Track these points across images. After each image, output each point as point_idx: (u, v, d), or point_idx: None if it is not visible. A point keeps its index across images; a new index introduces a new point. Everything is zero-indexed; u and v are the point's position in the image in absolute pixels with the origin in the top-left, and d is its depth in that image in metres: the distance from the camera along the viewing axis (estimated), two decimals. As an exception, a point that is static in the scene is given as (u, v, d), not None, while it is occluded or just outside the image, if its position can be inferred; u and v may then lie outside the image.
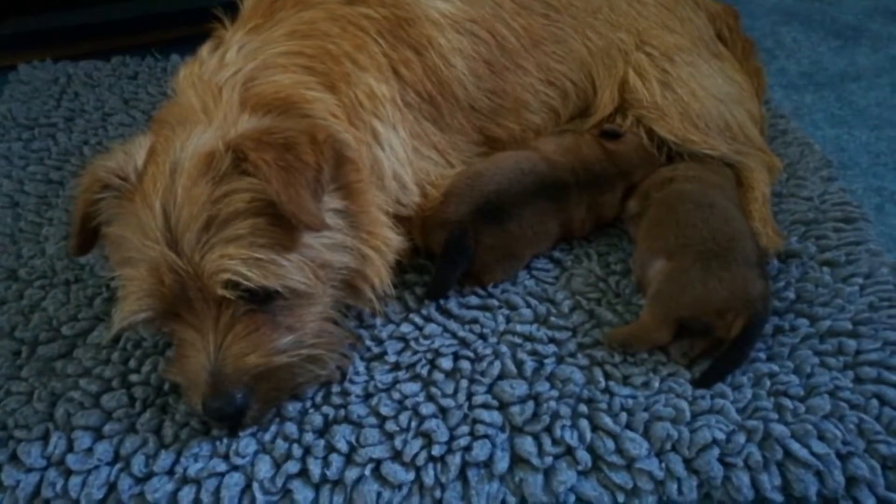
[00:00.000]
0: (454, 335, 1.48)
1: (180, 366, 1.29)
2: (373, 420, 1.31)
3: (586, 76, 1.86)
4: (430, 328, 1.50)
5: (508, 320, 1.52)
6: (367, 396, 1.36)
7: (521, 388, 1.36)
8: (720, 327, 1.40)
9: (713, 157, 1.79)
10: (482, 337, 1.48)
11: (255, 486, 1.22)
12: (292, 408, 1.33)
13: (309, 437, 1.28)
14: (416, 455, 1.26)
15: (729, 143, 1.80)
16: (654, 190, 1.71)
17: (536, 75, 1.79)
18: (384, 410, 1.32)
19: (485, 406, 1.34)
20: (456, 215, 1.57)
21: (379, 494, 1.22)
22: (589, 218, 1.73)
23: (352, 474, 1.23)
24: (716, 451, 1.25)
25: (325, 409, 1.33)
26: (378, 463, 1.25)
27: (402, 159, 1.56)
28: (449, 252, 1.55)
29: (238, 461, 1.25)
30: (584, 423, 1.30)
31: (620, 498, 1.22)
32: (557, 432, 1.28)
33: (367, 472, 1.24)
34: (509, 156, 1.71)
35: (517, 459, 1.26)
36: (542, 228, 1.65)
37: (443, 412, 1.33)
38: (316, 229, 1.26)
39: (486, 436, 1.28)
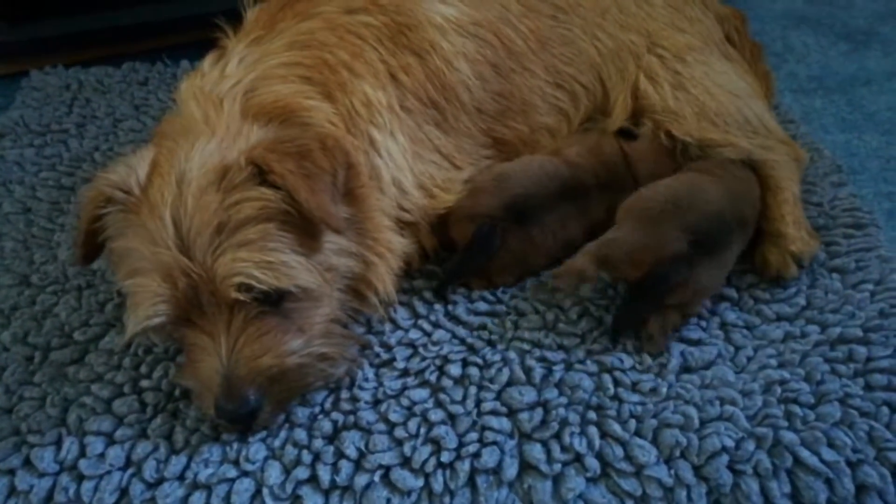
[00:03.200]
0: (463, 341, 1.49)
1: (192, 370, 1.30)
2: (382, 426, 1.32)
3: (596, 78, 1.86)
4: (439, 334, 1.50)
5: (517, 327, 1.52)
6: (377, 403, 1.37)
7: (529, 395, 1.36)
8: (627, 274, 1.48)
9: (735, 159, 1.74)
10: (491, 343, 1.48)
11: (266, 491, 1.22)
12: (302, 414, 1.34)
13: (318, 443, 1.29)
14: (425, 461, 1.26)
15: (751, 137, 1.76)
16: None
17: (544, 77, 1.80)
18: (393, 417, 1.33)
19: (493, 413, 1.34)
20: (487, 209, 1.59)
21: (388, 501, 1.22)
22: (608, 219, 1.72)
23: (361, 480, 1.24)
24: (725, 459, 1.25)
25: (335, 415, 1.34)
26: (387, 469, 1.26)
27: (402, 165, 1.57)
28: (475, 243, 1.56)
29: (248, 467, 1.25)
30: (592, 430, 1.30)
31: (629, 505, 1.22)
32: (566, 439, 1.28)
33: (377, 478, 1.24)
34: (534, 160, 1.73)
35: (526, 466, 1.26)
36: (563, 234, 1.66)
37: (452, 419, 1.33)
38: (340, 231, 1.32)
39: (494, 442, 1.29)
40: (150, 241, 1.25)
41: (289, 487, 1.23)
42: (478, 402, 1.36)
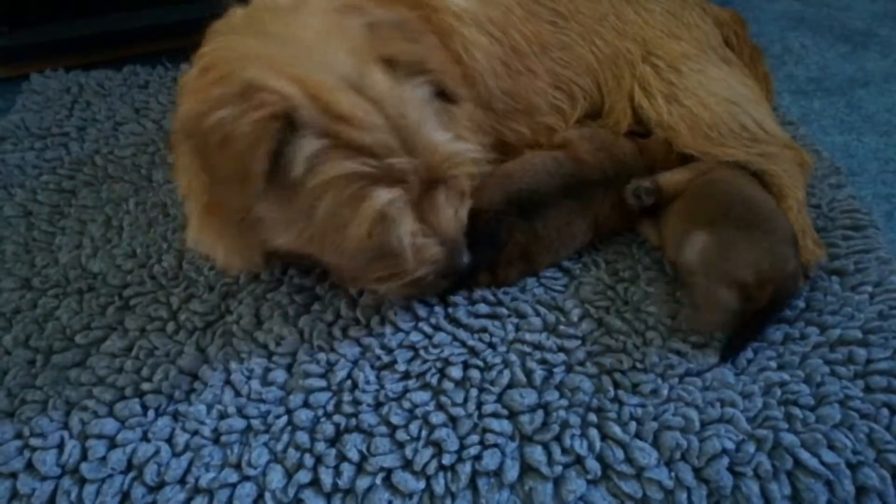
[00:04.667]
0: (463, 344, 1.49)
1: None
2: (383, 429, 1.32)
3: (593, 83, 1.87)
4: (440, 337, 1.50)
5: (518, 329, 1.52)
6: (378, 405, 1.37)
7: (530, 397, 1.36)
8: (756, 298, 1.42)
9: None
10: (491, 346, 1.49)
11: (268, 495, 1.22)
12: (305, 416, 1.34)
13: (320, 447, 1.29)
14: (426, 464, 1.26)
15: (748, 146, 1.75)
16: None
17: (546, 80, 1.80)
18: (395, 419, 1.33)
19: (494, 415, 1.34)
20: (489, 204, 1.59)
21: (390, 503, 1.23)
22: (613, 216, 1.73)
23: (363, 483, 1.24)
24: (725, 461, 1.25)
25: (337, 418, 1.34)
26: (389, 472, 1.26)
27: None
28: (483, 237, 1.56)
29: (250, 471, 1.26)
30: (593, 433, 1.30)
31: (630, 507, 1.22)
32: (567, 441, 1.29)
33: (378, 480, 1.25)
34: (535, 156, 1.73)
35: (527, 468, 1.27)
36: (566, 230, 1.66)
37: (453, 421, 1.33)
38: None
39: (495, 445, 1.29)
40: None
41: (291, 491, 1.23)
42: (479, 405, 1.36)
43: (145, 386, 1.42)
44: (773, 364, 1.43)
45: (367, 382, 1.41)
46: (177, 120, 1.40)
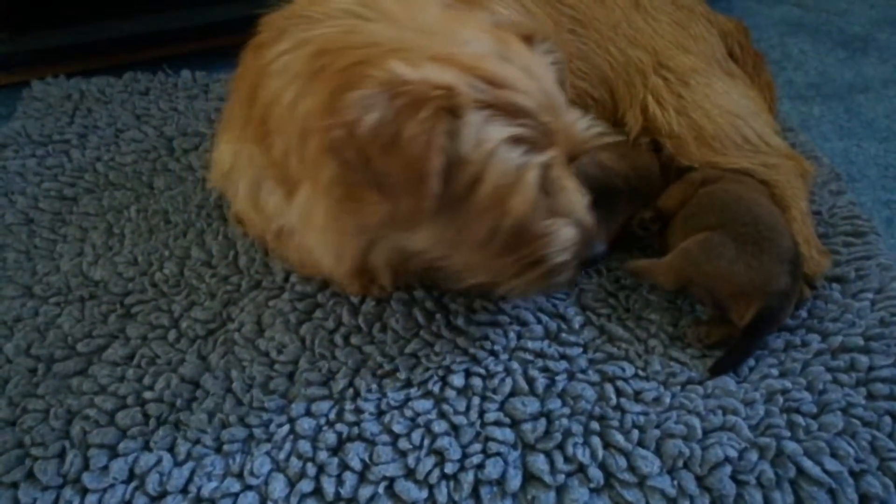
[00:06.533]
0: (465, 352, 1.49)
1: None
2: (386, 438, 1.32)
3: (606, 91, 1.87)
4: (441, 345, 1.50)
5: (519, 336, 1.52)
6: (380, 414, 1.37)
7: (532, 406, 1.36)
8: (734, 311, 1.44)
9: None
10: (493, 353, 1.49)
11: (270, 504, 1.23)
12: (307, 425, 1.34)
13: (323, 456, 1.29)
14: (429, 473, 1.26)
15: (751, 156, 1.76)
16: (697, 186, 1.72)
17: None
18: (397, 428, 1.33)
19: (497, 423, 1.34)
20: None
21: (392, 512, 1.23)
22: (625, 228, 1.72)
23: (365, 492, 1.24)
24: (728, 469, 1.25)
25: (339, 426, 1.34)
26: (391, 481, 1.26)
27: None
28: None
29: (252, 481, 1.25)
30: (595, 441, 1.30)
31: (633, 516, 1.22)
32: (569, 450, 1.29)
33: (381, 490, 1.25)
34: None
35: (529, 477, 1.27)
36: None
37: (455, 430, 1.33)
38: None
39: (498, 453, 1.29)
40: None
41: (293, 501, 1.23)
42: (481, 413, 1.36)
43: (147, 395, 1.42)
44: (775, 371, 1.44)
45: (369, 391, 1.41)
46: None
